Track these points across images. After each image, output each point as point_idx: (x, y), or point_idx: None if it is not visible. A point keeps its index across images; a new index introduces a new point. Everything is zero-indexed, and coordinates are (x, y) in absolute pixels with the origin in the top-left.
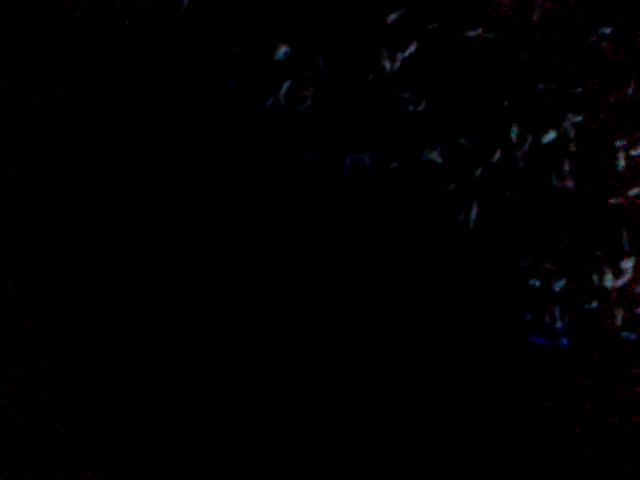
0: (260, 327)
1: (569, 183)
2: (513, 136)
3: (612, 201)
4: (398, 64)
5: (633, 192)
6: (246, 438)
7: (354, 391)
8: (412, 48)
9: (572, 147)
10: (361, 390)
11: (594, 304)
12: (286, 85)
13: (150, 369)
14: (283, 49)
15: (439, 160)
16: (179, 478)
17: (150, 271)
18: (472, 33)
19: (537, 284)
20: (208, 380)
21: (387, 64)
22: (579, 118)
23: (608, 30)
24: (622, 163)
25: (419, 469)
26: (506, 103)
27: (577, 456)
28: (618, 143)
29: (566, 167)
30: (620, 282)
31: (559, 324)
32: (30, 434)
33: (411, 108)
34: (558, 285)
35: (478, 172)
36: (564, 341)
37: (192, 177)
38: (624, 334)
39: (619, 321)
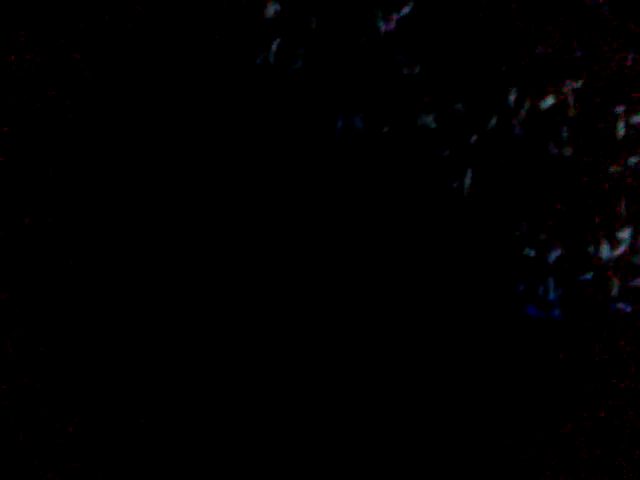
0: (260, 323)
1: (567, 150)
2: (510, 102)
3: (610, 169)
4: (393, 25)
5: (632, 160)
6: (246, 438)
7: (353, 381)
8: (408, 9)
9: (571, 113)
10: (359, 370)
11: (589, 275)
12: (276, 44)
13: (150, 369)
14: (273, 6)
15: (433, 125)
16: (179, 478)
17: (150, 269)
18: None
19: (532, 254)
20: (208, 380)
21: (382, 25)
22: (578, 84)
23: None
24: (621, 130)
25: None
26: (504, 68)
27: (570, 429)
28: (617, 110)
29: (564, 134)
30: (616, 252)
31: (552, 295)
32: (30, 434)
33: (406, 71)
34: (553, 255)
35: (473, 138)
36: (557, 312)
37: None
38: (619, 305)
39: (614, 292)
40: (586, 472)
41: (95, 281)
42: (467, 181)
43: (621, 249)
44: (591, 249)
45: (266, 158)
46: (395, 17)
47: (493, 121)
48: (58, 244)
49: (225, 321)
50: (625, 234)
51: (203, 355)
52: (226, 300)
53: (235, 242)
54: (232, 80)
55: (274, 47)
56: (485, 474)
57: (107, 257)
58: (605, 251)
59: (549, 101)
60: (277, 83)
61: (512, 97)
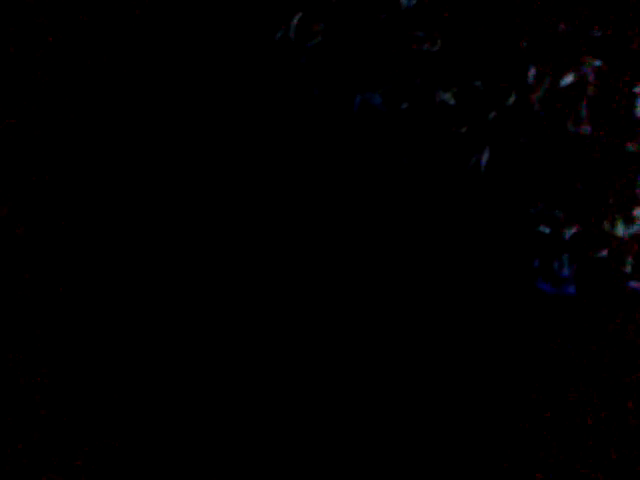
0: (260, 321)
1: (585, 128)
2: (530, 79)
3: (628, 147)
4: (414, 1)
5: None
6: (246, 438)
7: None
8: None
9: (590, 91)
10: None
11: (604, 252)
12: (296, 18)
13: (150, 369)
14: None
15: (452, 102)
16: (179, 478)
17: (150, 268)
18: None
19: (547, 231)
20: (208, 380)
21: (403, 0)
22: (598, 62)
23: None
24: (639, 109)
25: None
26: (524, 44)
27: (582, 403)
28: (637, 89)
29: (583, 112)
30: (632, 230)
31: (567, 271)
32: (30, 434)
33: (426, 47)
34: (568, 232)
35: (492, 115)
36: (571, 289)
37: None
38: (633, 283)
39: (629, 270)
40: (600, 451)
41: (95, 281)
42: (484, 158)
43: (636, 227)
44: (606, 227)
45: (282, 134)
46: None
47: (512, 98)
48: (58, 244)
49: (225, 320)
50: None
51: (203, 355)
52: (226, 299)
53: (237, 234)
54: (252, 55)
55: (294, 22)
56: (499, 457)
57: (107, 257)
58: (620, 229)
59: (568, 79)
60: (297, 58)
61: (531, 74)
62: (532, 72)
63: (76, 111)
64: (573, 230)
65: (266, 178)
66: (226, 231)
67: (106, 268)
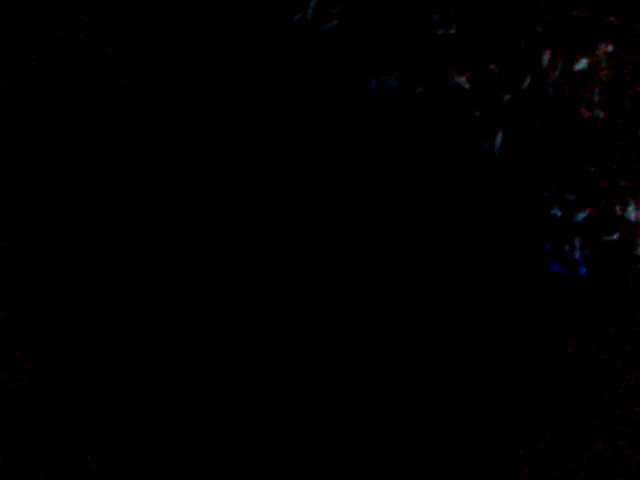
0: (260, 320)
1: (598, 112)
2: (544, 63)
3: None
4: None
5: None
6: (246, 438)
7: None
8: None
9: (603, 76)
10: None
11: (615, 235)
12: (313, 2)
13: (150, 369)
14: None
15: (467, 85)
16: (179, 478)
17: (150, 268)
18: None
19: (559, 214)
20: (208, 379)
21: None
22: (612, 47)
23: None
24: None
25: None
26: (539, 29)
27: (593, 385)
28: None
29: (596, 96)
30: None
31: (578, 254)
32: (29, 434)
33: (441, 31)
34: (580, 216)
35: (506, 99)
36: (583, 271)
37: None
38: None
39: (639, 252)
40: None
41: (95, 281)
42: (498, 141)
43: None
44: (618, 210)
45: (297, 119)
46: None
47: (526, 82)
48: (57, 244)
49: (225, 320)
50: None
51: (203, 354)
52: (226, 298)
53: (239, 224)
54: (270, 37)
55: (312, 5)
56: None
57: (107, 257)
58: (632, 212)
59: (582, 63)
60: (314, 40)
61: (546, 58)
62: (546, 56)
63: (76, 111)
64: (585, 213)
65: (277, 164)
66: (227, 222)
67: (106, 269)
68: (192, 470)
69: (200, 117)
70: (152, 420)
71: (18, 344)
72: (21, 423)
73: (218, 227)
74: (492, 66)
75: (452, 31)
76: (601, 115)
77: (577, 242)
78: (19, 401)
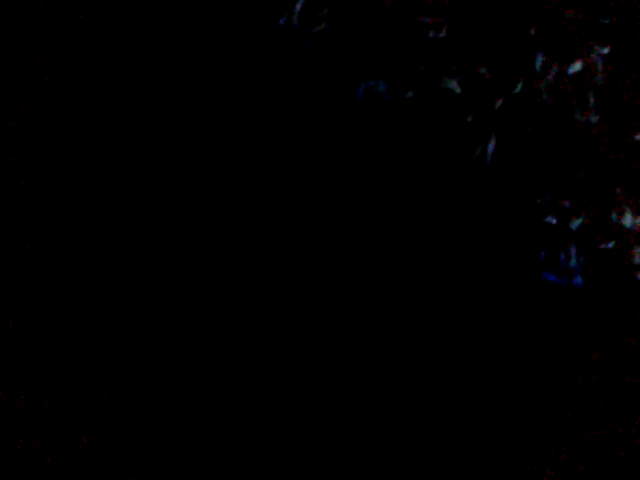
0: (260, 320)
1: (593, 117)
2: (537, 66)
3: (636, 137)
4: None
5: None
6: (246, 438)
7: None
8: None
9: (598, 80)
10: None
11: (611, 244)
12: (299, 5)
13: (149, 369)
14: None
15: (458, 90)
16: (179, 478)
17: (149, 267)
18: None
19: (553, 222)
20: (207, 379)
21: None
22: (607, 50)
23: None
24: None
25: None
26: (532, 31)
27: (590, 396)
28: None
29: (591, 100)
30: (639, 221)
31: (574, 263)
32: (29, 434)
33: (431, 34)
34: (575, 223)
35: (498, 104)
36: (578, 280)
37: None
38: None
39: (637, 261)
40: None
41: (94, 282)
42: (490, 147)
43: None
44: (614, 217)
45: (283, 123)
46: None
47: (519, 86)
48: (57, 244)
49: (224, 320)
50: None
51: (202, 354)
52: (225, 298)
53: (235, 224)
54: (254, 41)
55: (298, 8)
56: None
57: (106, 258)
58: (628, 220)
59: (576, 67)
60: (300, 45)
61: (539, 61)
62: (540, 60)
63: (75, 110)
64: (580, 221)
65: (266, 169)
66: (224, 222)
67: (106, 269)
68: (192, 470)
69: (184, 122)
70: (152, 420)
71: (18, 344)
72: (21, 423)
73: (214, 227)
74: (484, 70)
75: (442, 34)
76: (596, 119)
77: (572, 250)
78: (18, 401)
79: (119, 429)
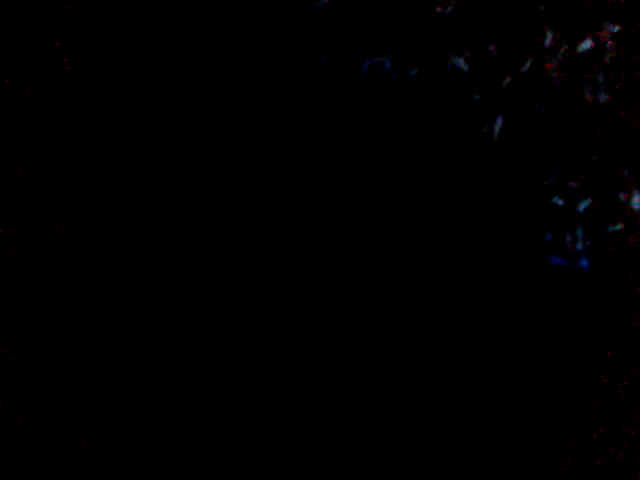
0: (260, 318)
1: (602, 96)
2: (547, 43)
3: None
4: None
5: None
6: (246, 438)
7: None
8: None
9: (608, 58)
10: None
11: (619, 226)
12: None
13: (150, 369)
14: None
15: (465, 68)
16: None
17: (149, 268)
18: None
19: (560, 203)
20: (207, 379)
21: None
22: (617, 27)
23: None
24: None
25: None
26: (541, 7)
27: (594, 380)
28: None
29: (600, 79)
30: None
31: (580, 245)
32: (29, 434)
33: (438, 10)
34: (582, 205)
35: (506, 82)
36: (585, 263)
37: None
38: None
39: None
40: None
41: (94, 282)
42: (497, 126)
43: None
44: (622, 199)
45: (287, 103)
46: None
47: (527, 64)
48: (56, 244)
49: (224, 320)
50: None
51: (203, 355)
52: (225, 299)
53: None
54: (256, 19)
55: None
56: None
57: (106, 258)
58: (636, 201)
59: (586, 44)
60: (303, 20)
61: (548, 39)
62: (549, 37)
63: (75, 110)
64: (588, 203)
65: (268, 153)
66: (224, 213)
67: (105, 269)
68: (192, 470)
69: (184, 103)
70: (152, 420)
71: (18, 345)
72: (21, 423)
73: (212, 223)
74: (492, 47)
75: (449, 10)
76: (606, 98)
77: (579, 233)
78: (19, 401)
79: (119, 429)
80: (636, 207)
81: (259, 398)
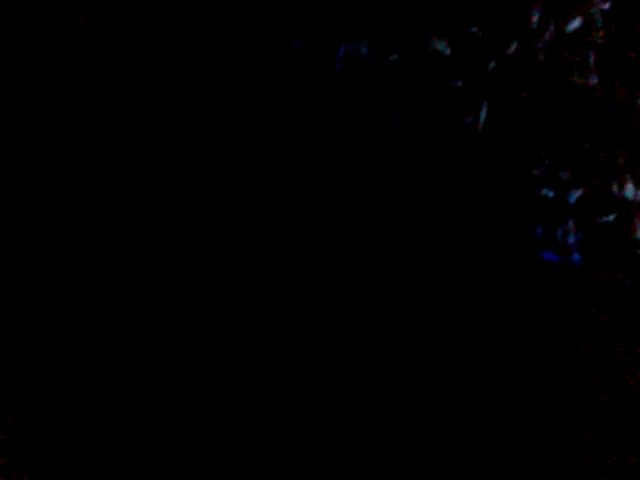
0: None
1: (593, 79)
2: (533, 24)
3: (639, 102)
4: None
5: None
6: (246, 438)
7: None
8: None
9: (599, 37)
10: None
11: (611, 217)
12: None
13: (150, 369)
14: None
15: (447, 51)
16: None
17: (148, 268)
18: None
19: (550, 195)
20: (208, 380)
21: None
22: (608, 4)
23: None
24: None
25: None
26: None
27: (589, 381)
28: None
29: (591, 60)
30: None
31: (572, 238)
32: (28, 435)
33: None
34: (573, 196)
35: (491, 65)
36: (576, 257)
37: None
38: None
39: (638, 236)
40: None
41: (94, 282)
42: (483, 114)
43: None
44: (615, 189)
45: (259, 94)
46: None
47: (513, 46)
48: (56, 244)
49: (224, 320)
50: None
51: (202, 355)
52: (225, 299)
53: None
54: (224, 3)
55: None
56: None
57: (106, 258)
58: (630, 191)
59: (575, 23)
60: (271, 3)
61: (535, 19)
62: (535, 16)
63: (73, 110)
64: (579, 193)
65: (247, 148)
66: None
67: (105, 269)
68: (192, 470)
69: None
70: (151, 420)
71: (18, 345)
72: (21, 422)
73: (207, 220)
74: (475, 28)
75: None
76: (596, 81)
77: (570, 225)
78: (18, 401)
79: (118, 429)
80: (630, 196)
81: (259, 398)
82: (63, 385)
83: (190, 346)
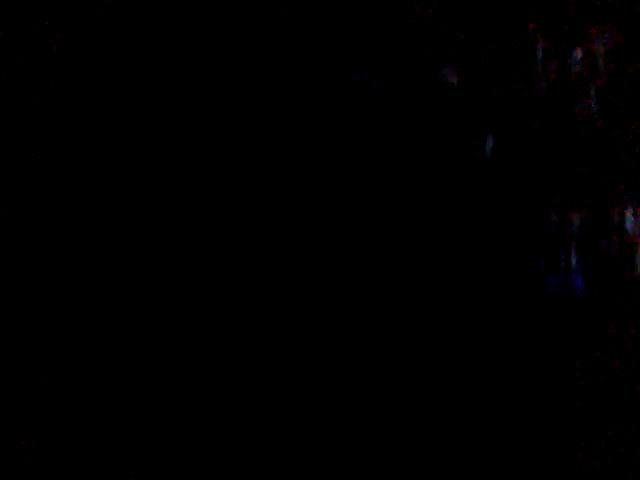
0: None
1: (594, 108)
2: (538, 54)
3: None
4: None
5: None
6: (246, 438)
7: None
8: None
9: (601, 67)
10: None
11: (612, 241)
12: None
13: (149, 370)
14: None
15: (455, 81)
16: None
17: (149, 269)
18: None
19: (554, 219)
20: (208, 381)
21: None
22: (608, 37)
23: None
24: None
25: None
26: (531, 14)
27: (593, 408)
28: None
29: (592, 91)
30: None
31: (574, 263)
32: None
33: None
34: (576, 221)
35: (497, 96)
36: (578, 283)
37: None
38: None
39: (639, 260)
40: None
41: (94, 282)
42: (489, 146)
43: None
44: (615, 215)
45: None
46: None
47: (518, 77)
48: (56, 244)
49: (224, 321)
50: None
51: (203, 355)
52: (225, 299)
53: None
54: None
55: None
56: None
57: (106, 258)
58: (630, 217)
59: (577, 55)
60: (275, 30)
61: (539, 50)
62: (540, 48)
63: (74, 109)
64: (581, 218)
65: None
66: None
67: (105, 270)
68: (192, 470)
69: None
70: (151, 421)
71: (18, 345)
72: (21, 423)
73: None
74: (481, 59)
75: (436, 19)
76: (598, 110)
77: (572, 250)
78: (18, 400)
79: (119, 429)
80: (630, 223)
81: (259, 398)
82: (63, 385)
83: (190, 346)
